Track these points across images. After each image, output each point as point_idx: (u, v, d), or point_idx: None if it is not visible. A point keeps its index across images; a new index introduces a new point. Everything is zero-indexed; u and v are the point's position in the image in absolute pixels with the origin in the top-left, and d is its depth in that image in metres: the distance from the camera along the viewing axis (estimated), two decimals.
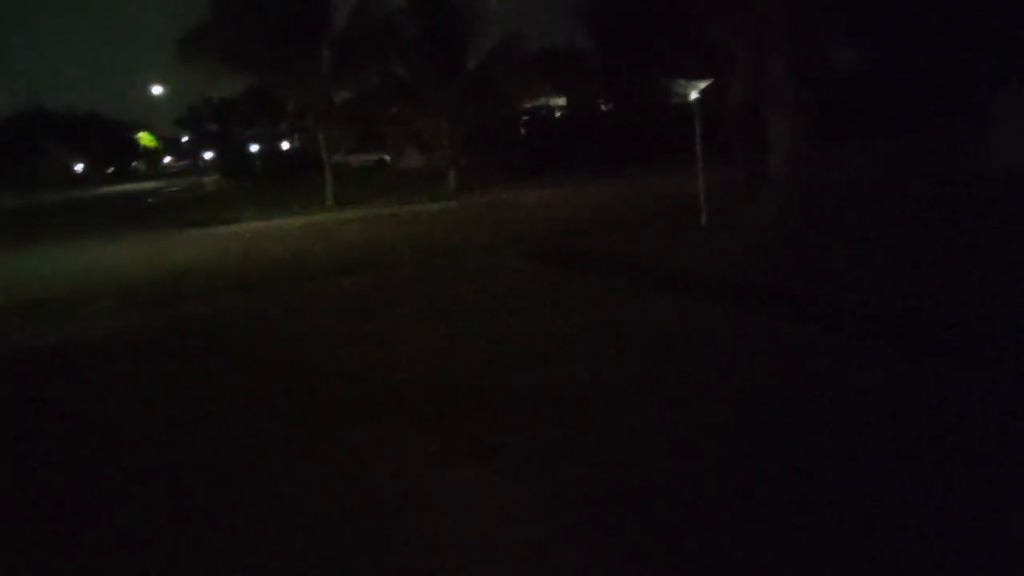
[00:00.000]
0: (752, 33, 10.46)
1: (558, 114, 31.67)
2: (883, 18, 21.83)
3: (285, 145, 57.80)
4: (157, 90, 48.72)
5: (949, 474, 3.63)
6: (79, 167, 72.55)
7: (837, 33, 10.20)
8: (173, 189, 46.79)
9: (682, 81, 33.79)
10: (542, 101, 32.92)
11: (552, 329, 6.99)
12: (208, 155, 64.26)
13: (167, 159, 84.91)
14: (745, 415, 4.55)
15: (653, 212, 14.11)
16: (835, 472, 3.75)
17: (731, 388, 4.99)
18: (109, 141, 70.23)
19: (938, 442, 3.95)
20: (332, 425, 5.13)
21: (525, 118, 31.69)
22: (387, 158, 39.48)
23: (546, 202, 19.37)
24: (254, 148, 56.38)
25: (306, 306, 9.56)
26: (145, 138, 76.38)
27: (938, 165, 15.96)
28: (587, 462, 4.13)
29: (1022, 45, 18.29)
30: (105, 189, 55.93)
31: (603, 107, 33.24)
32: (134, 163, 79.93)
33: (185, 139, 78.55)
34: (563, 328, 6.97)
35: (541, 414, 4.87)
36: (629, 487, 3.79)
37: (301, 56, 22.69)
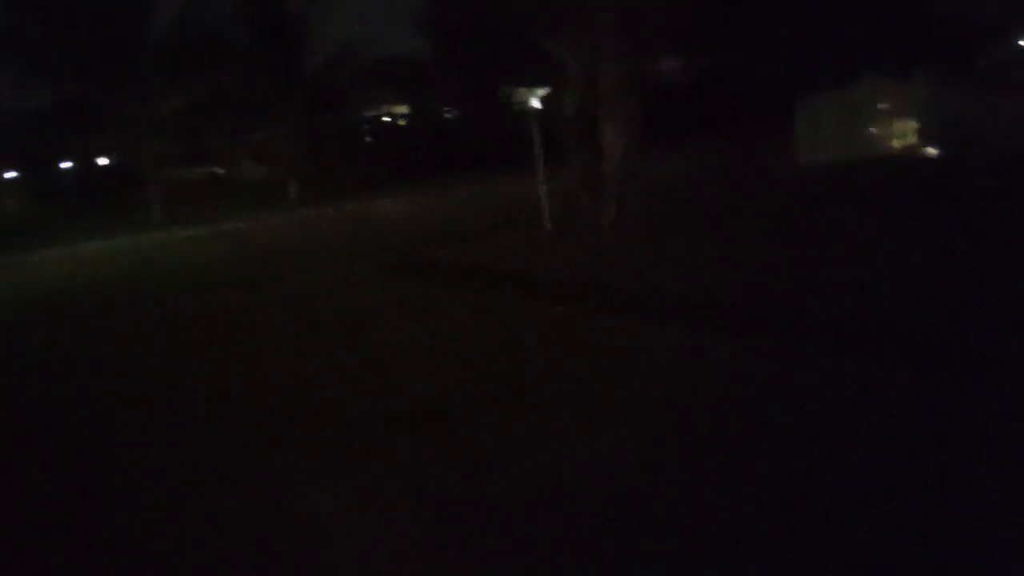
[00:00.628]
0: (582, 45, 10.96)
1: (400, 122, 31.56)
2: (708, 31, 23.65)
3: (104, 161, 53.09)
4: None
5: (795, 454, 3.99)
6: None
7: (663, 46, 10.83)
8: None
9: (522, 89, 34.77)
10: (385, 109, 32.61)
11: (398, 339, 6.99)
12: (10, 174, 57.45)
13: None
14: (579, 407, 4.76)
15: (500, 219, 14.43)
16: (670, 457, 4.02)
17: (575, 381, 5.21)
18: None
19: (760, 417, 4.33)
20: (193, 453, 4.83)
21: (367, 127, 31.28)
22: (219, 171, 37.46)
23: (392, 212, 19.25)
24: (68, 165, 51.27)
25: (141, 335, 8.92)
26: None
27: (754, 166, 17.46)
28: (442, 472, 4.13)
29: (821, 59, 20.51)
30: None
31: (448, 115, 33.51)
32: None
33: None
34: (411, 338, 6.99)
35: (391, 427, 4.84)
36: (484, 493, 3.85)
37: (115, 64, 21.02)
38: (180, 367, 7.23)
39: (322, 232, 16.83)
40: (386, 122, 31.52)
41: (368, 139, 28.91)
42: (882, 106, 17.21)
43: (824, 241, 8.96)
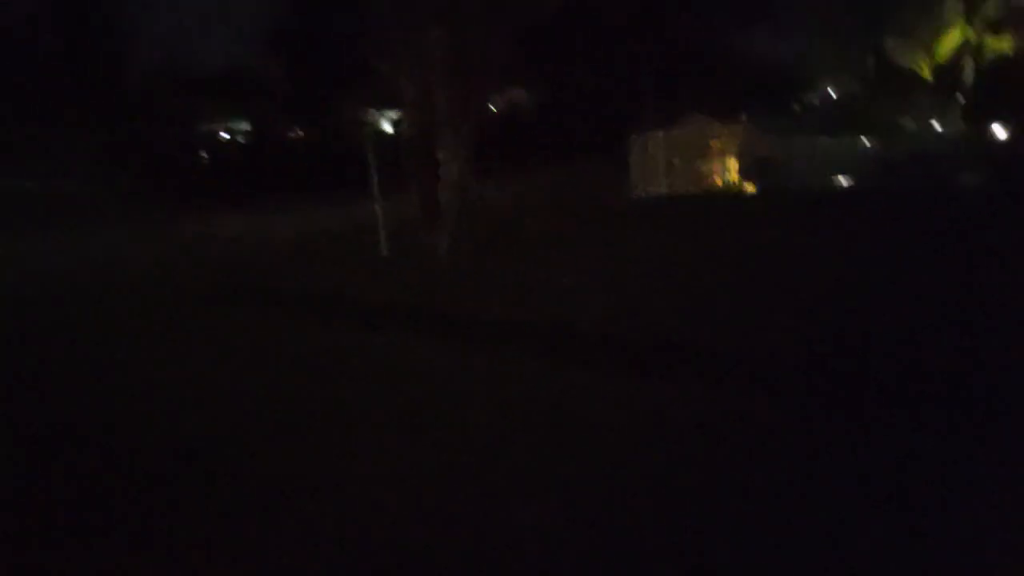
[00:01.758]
0: (416, 72, 10.82)
1: (240, 139, 29.97)
2: (550, 66, 24.41)
3: None
4: None
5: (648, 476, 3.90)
6: None
7: (496, 78, 10.90)
8: None
9: (372, 110, 34.15)
10: (223, 125, 30.89)
11: (202, 370, 6.39)
12: None
13: None
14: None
15: (339, 241, 13.97)
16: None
17: (390, 409, 4.93)
18: None
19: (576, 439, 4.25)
20: None
21: (202, 142, 29.47)
22: (28, 184, 33.81)
23: (222, 233, 18.09)
24: None
25: None
26: None
27: (591, 196, 18.05)
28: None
29: (655, 98, 21.68)
30: None
31: (294, 134, 32.29)
32: None
33: None
34: (220, 370, 6.41)
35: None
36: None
37: None
38: None
39: (144, 256, 15.46)
40: (224, 138, 29.85)
41: (203, 155, 27.21)
42: (707, 144, 18.43)
43: (642, 264, 9.31)
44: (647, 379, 5.26)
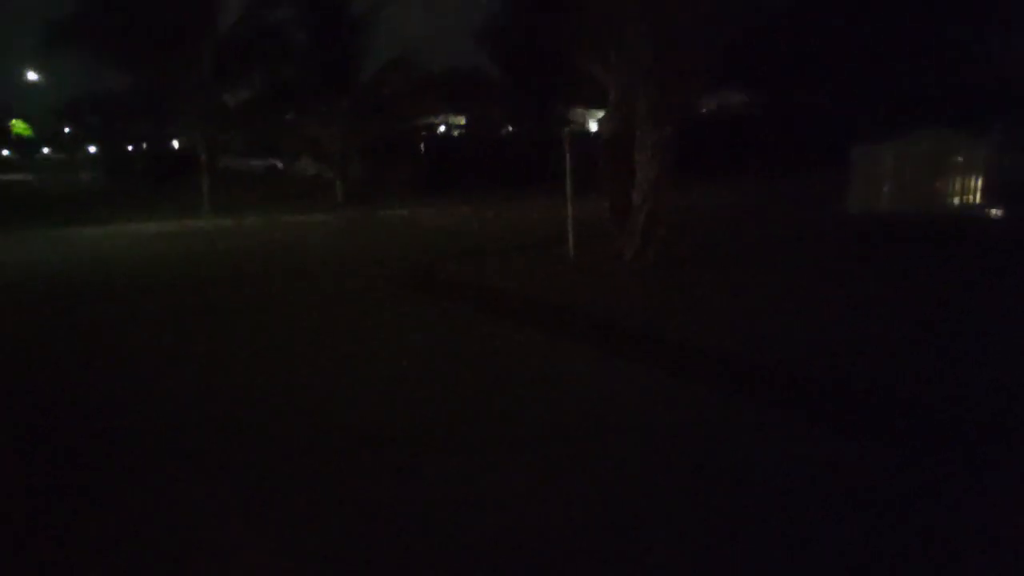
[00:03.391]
0: (620, 71, 10.63)
1: (456, 133, 31.65)
2: (767, 69, 23.04)
3: (176, 144, 55.03)
4: (33, 76, 45.37)
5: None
6: None
7: (704, 78, 10.42)
8: (44, 183, 43.62)
9: (579, 110, 34.45)
10: (442, 119, 32.84)
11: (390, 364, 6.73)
12: (92, 149, 60.38)
13: (45, 150, 79.21)
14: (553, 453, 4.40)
15: (533, 238, 14.18)
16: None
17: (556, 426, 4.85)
18: None
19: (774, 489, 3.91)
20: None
21: (424, 134, 31.48)
22: (279, 165, 38.34)
23: (431, 221, 19.17)
24: (137, 146, 53.45)
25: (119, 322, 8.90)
26: (19, 126, 71.02)
27: (802, 209, 16.79)
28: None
29: (881, 107, 19.67)
30: None
31: (505, 130, 33.46)
32: (5, 152, 74.16)
33: (68, 131, 73.44)
34: (409, 362, 6.72)
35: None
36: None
37: (178, 55, 21.63)
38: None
39: (350, 235, 16.83)
40: (442, 132, 31.66)
41: (422, 146, 29.07)
42: (945, 160, 16.33)
43: (849, 296, 8.37)
44: (816, 425, 4.69)
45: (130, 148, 54.98)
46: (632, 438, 4.60)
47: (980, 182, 16.06)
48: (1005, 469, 4.03)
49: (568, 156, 11.71)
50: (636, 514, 3.65)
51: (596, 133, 12.13)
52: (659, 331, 7.19)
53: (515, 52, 27.05)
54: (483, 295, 9.45)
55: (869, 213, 15.92)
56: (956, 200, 16.14)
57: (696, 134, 19.14)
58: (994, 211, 15.32)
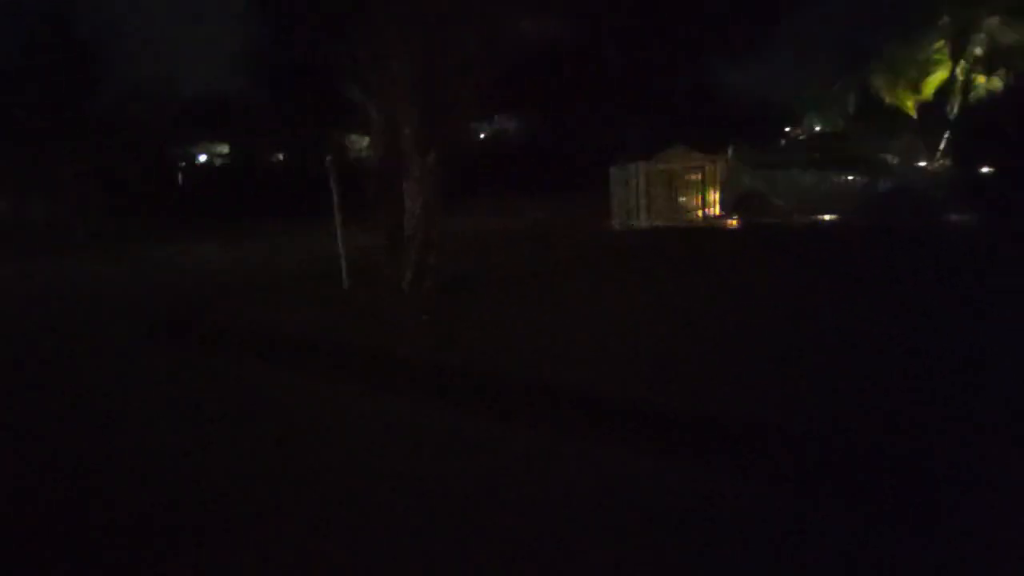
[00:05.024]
0: (383, 97, 10.34)
1: (216, 163, 29.51)
2: (532, 96, 24.07)
3: None
4: None
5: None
6: None
7: (469, 107, 10.41)
8: None
9: (354, 136, 33.75)
10: (203, 149, 30.47)
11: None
12: None
13: None
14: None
15: (303, 271, 13.42)
16: None
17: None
18: None
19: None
20: None
21: (182, 165, 28.98)
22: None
23: (189, 259, 17.51)
24: None
25: None
26: None
27: (569, 227, 17.59)
28: None
29: (637, 128, 21.35)
30: None
31: (276, 158, 31.76)
32: None
33: None
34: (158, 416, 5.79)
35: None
36: None
37: None
38: None
39: (97, 282, 14.83)
40: (203, 162, 29.35)
41: (180, 179, 26.72)
42: (689, 177, 18.04)
43: (625, 309, 8.74)
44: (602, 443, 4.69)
45: None
46: (403, 482, 4.24)
47: (717, 196, 17.92)
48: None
49: (334, 186, 11.18)
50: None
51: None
52: (430, 360, 6.97)
53: (279, 76, 25.84)
54: (247, 339, 8.63)
55: (629, 228, 17.10)
56: (700, 213, 17.86)
57: (470, 160, 19.48)
58: (730, 221, 17.15)
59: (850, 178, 15.79)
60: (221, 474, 4.69)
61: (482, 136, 29.79)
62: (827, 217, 16.08)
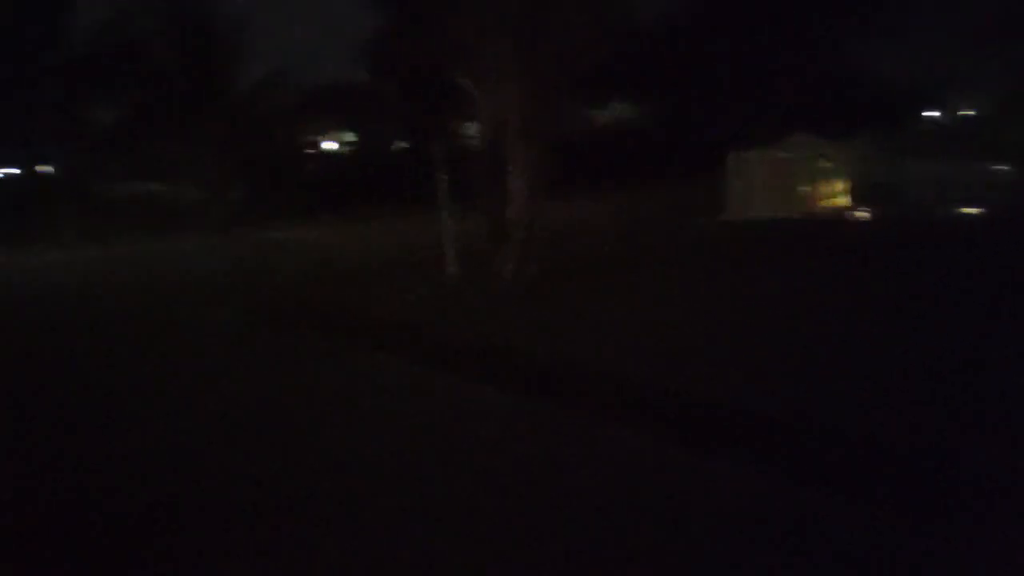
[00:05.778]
0: (490, 83, 10.37)
1: (343, 150, 30.75)
2: (645, 80, 23.50)
3: (50, 169, 51.17)
4: None
5: None
6: None
7: (572, 92, 10.30)
8: None
9: (470, 124, 34.14)
10: (330, 136, 31.85)
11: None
12: None
13: None
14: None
15: (410, 257, 13.73)
16: None
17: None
18: None
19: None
20: None
21: (310, 152, 30.41)
22: (155, 189, 36.16)
23: (311, 243, 18.44)
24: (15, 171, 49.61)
25: None
26: None
27: (679, 217, 17.00)
28: None
29: (755, 115, 20.35)
30: None
31: (400, 146, 32.64)
32: None
33: None
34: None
35: None
36: None
37: (25, 76, 20.01)
38: None
39: (219, 261, 15.82)
40: (329, 149, 30.70)
41: (308, 166, 28.04)
42: (814, 166, 16.99)
43: (725, 305, 8.37)
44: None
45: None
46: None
47: (847, 186, 16.79)
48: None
49: (440, 174, 11.36)
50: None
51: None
52: (528, 352, 6.94)
53: (397, 64, 26.50)
54: (354, 324, 8.95)
55: (744, 219, 16.32)
56: (825, 204, 16.80)
57: (579, 147, 19.26)
58: (860, 213, 16.03)
59: (1000, 168, 14.35)
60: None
61: (597, 123, 29.36)
62: (970, 211, 14.72)
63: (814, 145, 16.89)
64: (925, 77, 20.04)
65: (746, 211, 16.67)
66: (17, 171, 51.86)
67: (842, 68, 22.59)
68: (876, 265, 10.38)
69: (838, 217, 16.09)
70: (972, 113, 18.56)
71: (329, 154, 30.69)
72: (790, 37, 23.04)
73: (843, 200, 16.76)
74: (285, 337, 8.54)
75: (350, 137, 32.98)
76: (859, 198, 16.37)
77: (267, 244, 18.60)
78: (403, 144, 32.26)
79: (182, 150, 23.96)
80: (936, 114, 20.25)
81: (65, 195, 21.91)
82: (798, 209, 16.58)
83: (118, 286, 13.37)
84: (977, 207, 14.62)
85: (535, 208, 10.34)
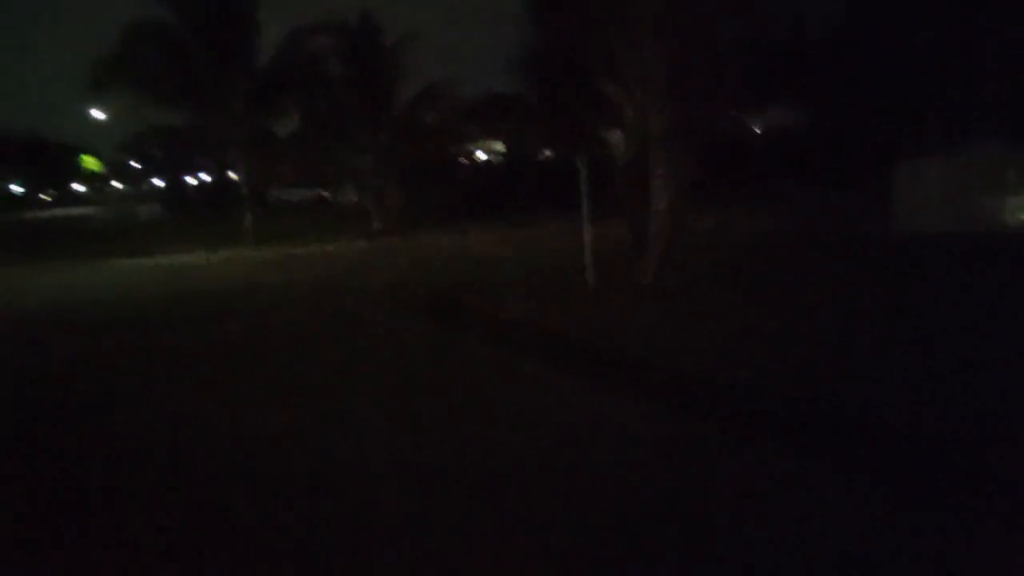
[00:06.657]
0: (636, 91, 10.26)
1: (492, 159, 31.71)
2: (804, 85, 22.25)
3: (234, 176, 56.59)
4: (97, 114, 47.10)
5: None
6: (18, 188, 70.41)
7: (721, 98, 9.95)
8: (106, 217, 45.47)
9: (610, 133, 33.83)
10: (480, 145, 32.94)
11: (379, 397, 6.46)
12: (157, 182, 63.08)
13: (115, 184, 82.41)
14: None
15: (556, 264, 13.82)
16: None
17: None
18: (49, 162, 68.33)
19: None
20: None
21: (462, 160, 31.60)
22: (325, 194, 39.04)
23: (461, 247, 19.07)
24: (195, 178, 55.40)
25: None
26: (89, 161, 74.12)
27: (840, 228, 15.96)
28: None
29: (926, 121, 18.68)
30: (38, 214, 54.33)
31: (544, 154, 33.15)
32: (77, 186, 77.68)
33: (134, 164, 76.34)
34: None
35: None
36: None
37: (217, 90, 22.24)
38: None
39: (379, 264, 16.80)
40: (480, 158, 31.72)
41: (461, 174, 29.16)
42: (1003, 176, 15.30)
43: (884, 323, 7.73)
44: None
45: (192, 180, 56.97)
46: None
47: None
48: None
49: (583, 183, 11.34)
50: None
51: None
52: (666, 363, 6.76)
53: (546, 74, 26.83)
54: (498, 325, 9.16)
55: (914, 233, 14.98)
56: (1013, 218, 15.09)
57: (730, 153, 18.57)
58: None
59: None
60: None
61: (757, 130, 28.27)
62: None
63: (997, 154, 15.26)
64: None
65: (916, 224, 15.32)
66: (209, 178, 57.62)
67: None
68: None
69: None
70: None
71: (480, 163, 31.73)
72: (968, 35, 20.88)
73: None
74: (431, 329, 8.91)
75: (499, 147, 33.93)
76: None
77: (424, 247, 19.53)
78: (549, 153, 32.70)
79: (348, 159, 25.68)
80: None
81: (248, 200, 24.09)
82: (981, 223, 15.00)
83: (311, 284, 14.57)
84: None
85: (679, 217, 10.09)
